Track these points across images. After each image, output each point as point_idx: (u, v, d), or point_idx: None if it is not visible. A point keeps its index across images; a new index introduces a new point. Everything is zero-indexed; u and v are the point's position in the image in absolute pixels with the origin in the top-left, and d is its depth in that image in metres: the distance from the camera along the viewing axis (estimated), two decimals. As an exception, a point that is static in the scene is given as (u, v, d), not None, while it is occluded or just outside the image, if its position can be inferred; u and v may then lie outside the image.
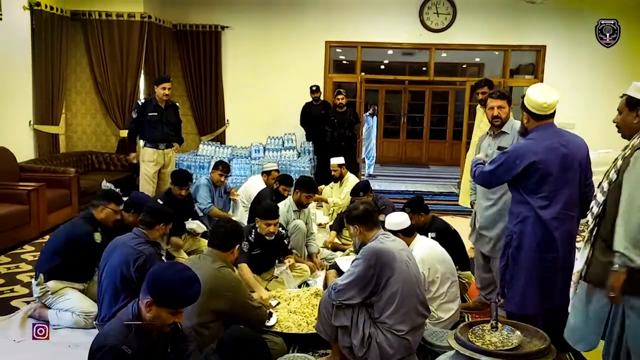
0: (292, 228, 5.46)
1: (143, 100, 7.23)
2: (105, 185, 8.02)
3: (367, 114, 12.89)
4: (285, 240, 5.14)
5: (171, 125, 7.18)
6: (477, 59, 14.27)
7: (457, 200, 9.83)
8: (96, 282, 4.40)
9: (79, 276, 4.40)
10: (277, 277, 4.96)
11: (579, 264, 2.86)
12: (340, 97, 9.23)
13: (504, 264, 3.57)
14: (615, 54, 9.44)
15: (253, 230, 4.89)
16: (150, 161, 7.09)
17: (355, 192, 6.14)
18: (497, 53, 11.44)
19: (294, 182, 5.83)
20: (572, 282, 2.95)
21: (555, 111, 3.46)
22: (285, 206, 5.54)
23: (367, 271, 3.33)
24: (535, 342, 2.67)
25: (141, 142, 7.38)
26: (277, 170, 7.00)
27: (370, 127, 12.93)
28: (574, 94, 9.35)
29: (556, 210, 3.38)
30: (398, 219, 4.13)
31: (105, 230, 4.40)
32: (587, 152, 3.51)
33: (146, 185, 7.13)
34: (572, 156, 3.41)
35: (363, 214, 3.55)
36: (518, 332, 2.71)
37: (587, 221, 2.91)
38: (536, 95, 3.41)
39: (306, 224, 5.67)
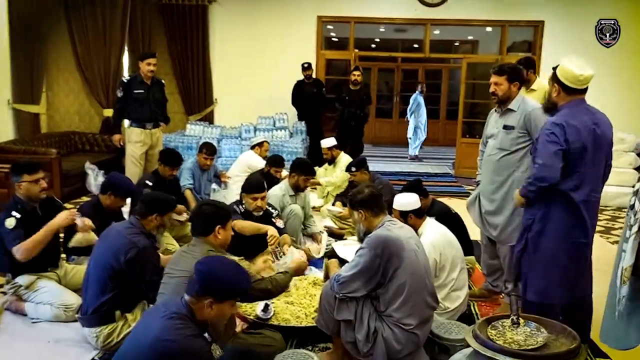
0: (288, 213, 5.22)
1: (128, 77, 6.89)
2: (89, 167, 7.67)
3: (418, 92, 12.66)
4: (273, 219, 4.86)
5: (158, 103, 6.86)
6: (470, 37, 13.98)
7: (454, 181, 9.66)
8: (71, 272, 4.16)
9: (39, 265, 3.97)
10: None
11: (627, 258, 2.59)
12: (356, 73, 8.86)
13: (520, 250, 3.34)
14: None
15: (240, 207, 4.69)
16: (137, 142, 6.75)
17: (348, 167, 5.95)
18: (490, 30, 11.16)
19: (291, 165, 5.52)
20: (616, 279, 2.68)
21: (587, 87, 3.21)
22: (280, 190, 5.28)
23: (373, 261, 3.06)
24: (562, 340, 2.42)
25: (126, 122, 7.00)
26: (267, 142, 7.02)
27: (419, 106, 12.60)
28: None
29: (586, 192, 3.16)
30: (408, 199, 3.85)
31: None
32: (612, 133, 3.30)
33: (133, 168, 6.76)
34: (602, 136, 3.19)
35: (368, 198, 3.26)
36: (543, 329, 2.45)
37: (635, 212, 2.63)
38: (572, 66, 3.15)
39: (303, 208, 5.42)
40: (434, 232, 3.84)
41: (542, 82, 5.65)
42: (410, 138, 12.66)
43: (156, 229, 3.67)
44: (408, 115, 12.79)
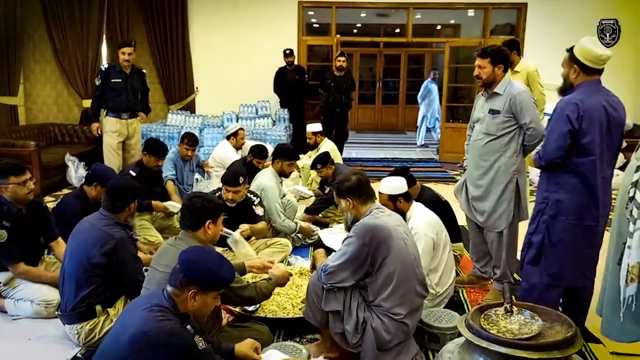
0: (285, 204, 5.21)
1: (106, 66, 6.73)
2: (69, 159, 7.55)
3: (430, 79, 12.48)
4: (254, 207, 4.79)
5: (137, 93, 6.71)
6: (452, 21, 13.89)
7: (439, 166, 9.62)
8: (52, 267, 4.05)
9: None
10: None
11: (634, 255, 2.51)
12: (341, 59, 8.74)
13: (531, 232, 3.28)
14: (600, 15, 9.10)
15: (218, 193, 4.66)
16: (112, 132, 6.65)
17: (313, 165, 5.84)
18: (473, 13, 11.07)
19: (274, 152, 5.43)
20: (620, 277, 2.60)
21: (603, 68, 3.17)
22: (273, 182, 5.16)
23: (361, 250, 2.98)
24: (558, 329, 2.37)
25: (104, 112, 6.84)
26: (242, 129, 6.92)
27: (430, 93, 12.41)
28: (557, 55, 8.92)
29: (600, 173, 3.12)
30: (396, 183, 3.79)
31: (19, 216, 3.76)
32: (625, 116, 3.26)
33: (111, 158, 6.67)
34: (617, 119, 3.14)
35: (356, 186, 3.17)
36: (537, 317, 2.40)
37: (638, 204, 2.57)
38: (593, 46, 3.10)
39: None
40: (423, 212, 3.83)
41: (525, 64, 5.62)
42: (418, 126, 12.51)
43: (130, 217, 3.59)
44: (419, 102, 12.63)
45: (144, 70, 6.99)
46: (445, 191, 5.21)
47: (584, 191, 3.12)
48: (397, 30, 13.59)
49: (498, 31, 10.91)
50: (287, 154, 5.27)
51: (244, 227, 4.53)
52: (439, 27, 14.74)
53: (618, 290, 2.61)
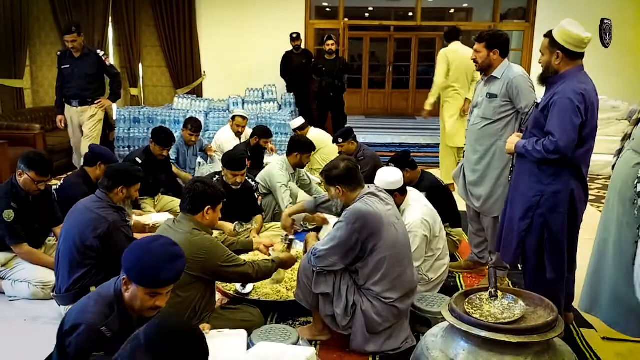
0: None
1: (59, 52, 6.37)
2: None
3: None
4: (255, 194, 4.80)
5: (88, 77, 6.19)
6: (465, 4, 13.73)
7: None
8: (51, 249, 4.08)
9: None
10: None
11: None
12: (330, 42, 8.65)
13: (524, 229, 3.14)
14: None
15: (218, 177, 4.65)
16: (68, 121, 6.37)
17: (335, 139, 5.84)
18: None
19: (291, 145, 5.34)
20: (635, 277, 2.54)
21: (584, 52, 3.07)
22: (282, 170, 5.17)
23: (350, 236, 2.98)
24: (541, 313, 2.34)
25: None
26: (241, 117, 6.71)
27: None
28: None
29: (589, 161, 3.08)
30: (392, 179, 3.69)
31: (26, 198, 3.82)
32: None
33: (73, 146, 6.58)
34: (598, 103, 3.08)
35: (345, 173, 3.15)
36: (521, 302, 2.38)
37: None
38: (575, 29, 2.97)
39: (300, 182, 5.42)
40: (419, 206, 3.78)
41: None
42: None
43: (123, 202, 3.61)
44: None
45: (99, 51, 6.40)
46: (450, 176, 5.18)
47: (577, 181, 3.06)
48: (410, 14, 13.45)
49: (510, 15, 10.79)
50: (305, 147, 5.24)
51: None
52: (452, 10, 14.59)
53: (626, 285, 2.57)
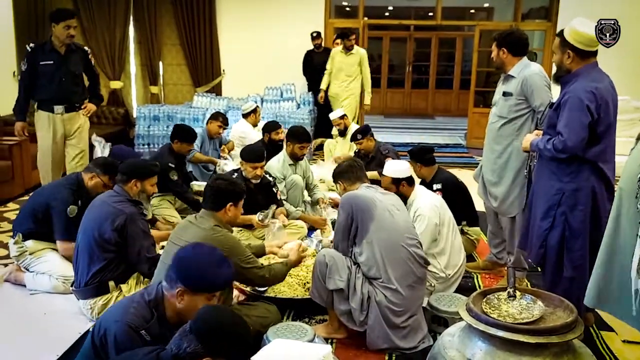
0: (289, 183, 5.15)
1: (33, 46, 5.06)
2: (95, 139, 7.64)
3: None
4: (274, 189, 4.83)
5: (75, 78, 5.13)
6: (486, 4, 13.63)
7: (466, 152, 9.51)
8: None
9: (52, 238, 4.00)
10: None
11: None
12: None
13: (547, 228, 3.14)
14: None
15: (236, 174, 4.65)
16: (43, 130, 5.10)
17: (353, 136, 5.88)
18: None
19: (286, 134, 5.35)
20: (631, 270, 2.50)
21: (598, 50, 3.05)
22: (279, 162, 5.19)
23: (346, 219, 3.20)
24: (560, 314, 2.32)
25: (35, 105, 5.20)
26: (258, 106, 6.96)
27: None
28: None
29: (611, 160, 3.06)
30: (400, 167, 3.90)
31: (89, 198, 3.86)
32: None
33: (42, 162, 5.19)
34: (616, 100, 3.05)
35: (345, 169, 3.46)
36: (540, 302, 2.35)
37: None
38: (585, 28, 2.97)
39: (305, 177, 5.35)
40: (427, 196, 3.87)
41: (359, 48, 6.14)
42: None
43: (138, 195, 3.67)
44: None
45: (87, 48, 5.37)
46: (469, 177, 5.14)
47: (599, 178, 3.04)
48: (430, 14, 13.40)
49: (532, 15, 10.68)
50: (297, 136, 5.18)
51: (282, 214, 4.72)
52: (472, 10, 14.50)
53: (628, 283, 2.52)
